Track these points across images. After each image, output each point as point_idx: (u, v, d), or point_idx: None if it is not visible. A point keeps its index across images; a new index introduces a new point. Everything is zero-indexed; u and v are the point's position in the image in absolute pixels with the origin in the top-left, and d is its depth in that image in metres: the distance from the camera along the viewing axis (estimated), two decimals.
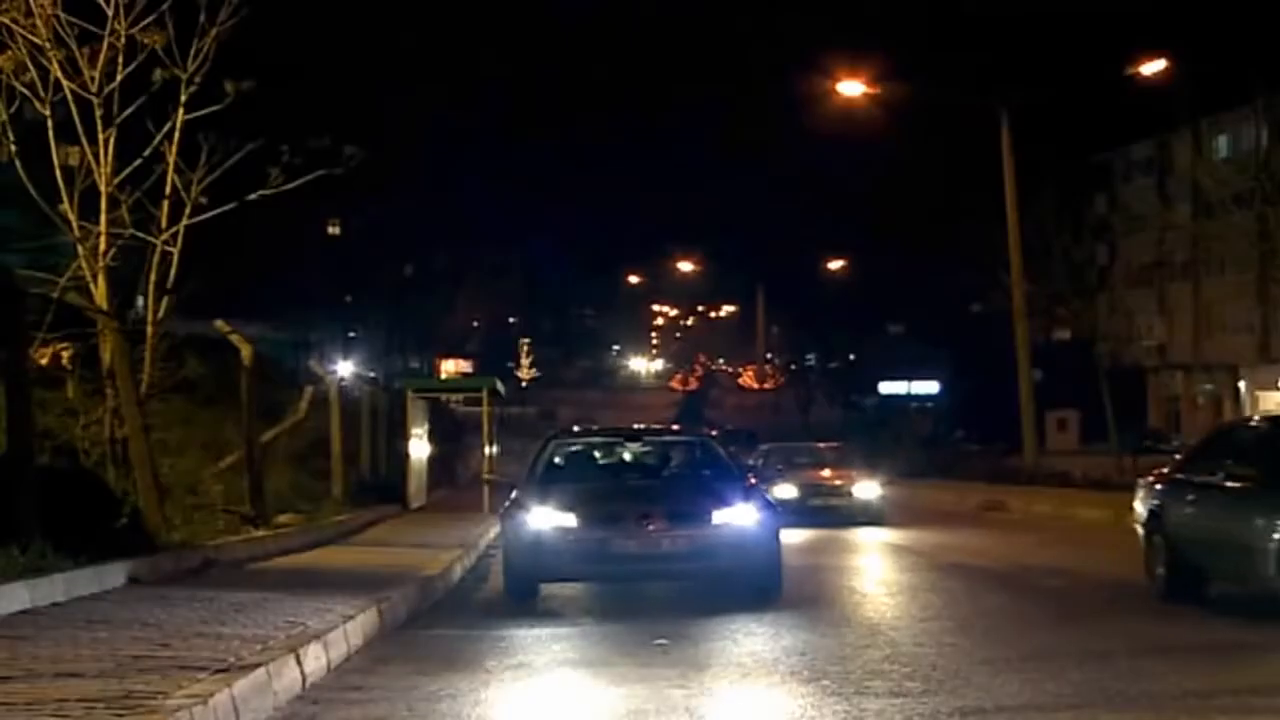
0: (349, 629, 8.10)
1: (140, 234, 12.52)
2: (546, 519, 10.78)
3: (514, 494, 11.66)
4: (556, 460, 12.46)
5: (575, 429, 15.76)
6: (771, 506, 11.49)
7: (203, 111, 12.52)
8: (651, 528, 10.62)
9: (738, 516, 10.81)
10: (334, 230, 62.60)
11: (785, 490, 20.86)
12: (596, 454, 13.33)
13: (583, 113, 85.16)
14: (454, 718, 6.28)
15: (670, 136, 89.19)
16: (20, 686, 5.74)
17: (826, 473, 22.34)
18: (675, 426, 22.84)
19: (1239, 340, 50.26)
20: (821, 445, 26.42)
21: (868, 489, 21.85)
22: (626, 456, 13.38)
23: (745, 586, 10.81)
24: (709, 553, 10.63)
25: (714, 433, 20.09)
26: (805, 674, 7.39)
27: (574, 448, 13.24)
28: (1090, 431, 45.86)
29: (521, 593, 11.02)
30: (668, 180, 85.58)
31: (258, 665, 6.36)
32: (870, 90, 29.67)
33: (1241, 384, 51.45)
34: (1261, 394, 50.93)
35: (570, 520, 10.74)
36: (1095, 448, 39.71)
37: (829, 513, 20.87)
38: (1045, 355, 41.00)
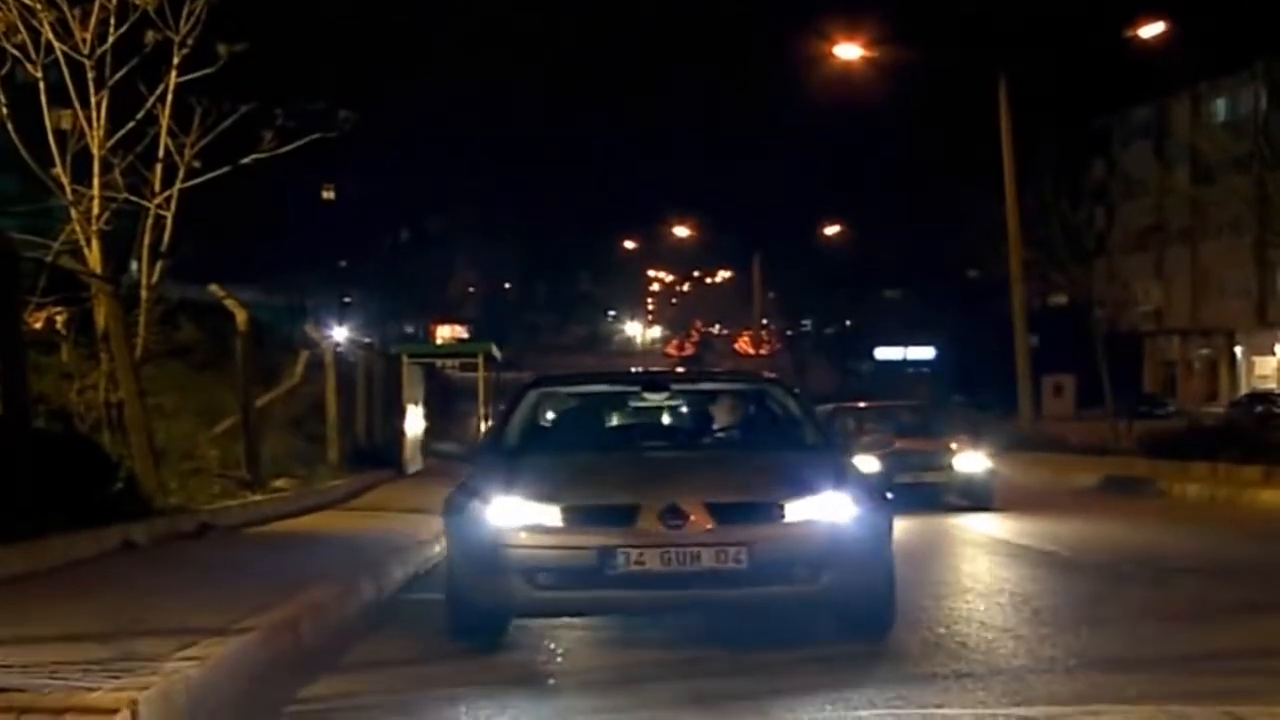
0: (345, 594, 8.09)
1: (134, 198, 12.45)
2: (515, 514, 6.75)
3: (467, 475, 7.69)
4: (537, 421, 8.54)
5: (568, 375, 10.56)
6: (878, 493, 7.29)
7: (195, 74, 12.43)
8: (685, 529, 6.57)
9: (827, 510, 6.76)
10: (329, 195, 62.42)
11: (862, 464, 15.89)
12: (599, 411, 9.07)
13: (579, 77, 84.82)
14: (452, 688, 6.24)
15: (667, 101, 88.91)
16: (17, 650, 5.72)
17: (918, 440, 17.22)
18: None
19: (1236, 305, 50.29)
20: (904, 404, 21.74)
21: (972, 461, 17.16)
22: (646, 415, 9.76)
23: (833, 617, 7.12)
24: (778, 570, 6.62)
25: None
26: None
27: (565, 402, 9.10)
28: (1085, 397, 45.90)
29: (472, 632, 7.02)
30: (664, 145, 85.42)
31: (254, 629, 6.35)
32: (868, 54, 29.54)
33: (1238, 348, 51.52)
34: (1257, 358, 51.05)
35: (552, 516, 6.70)
36: (1090, 413, 39.74)
37: (922, 492, 16.31)
38: (1042, 320, 40.99)
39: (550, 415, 8.78)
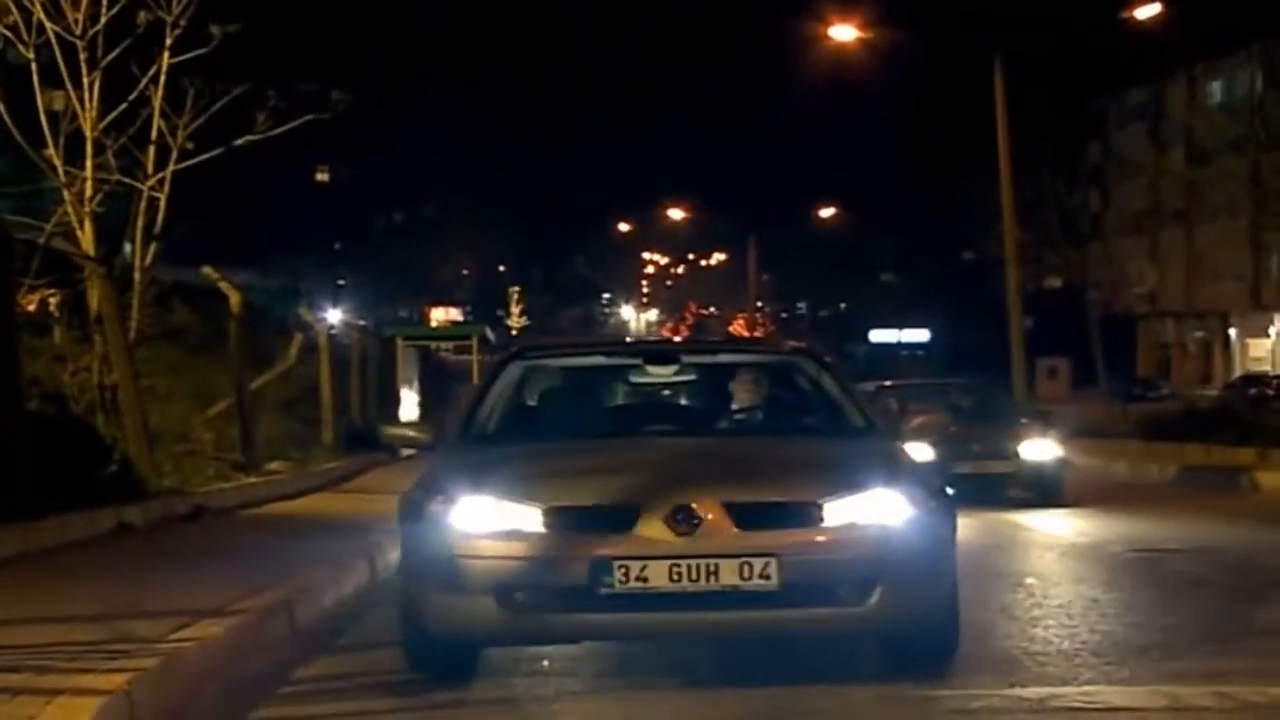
0: (339, 576, 8.09)
1: (127, 179, 12.41)
2: (485, 517, 5.49)
3: (429, 468, 6.20)
4: (518, 401, 7.02)
5: (556, 344, 9.84)
6: (938, 489, 5.88)
7: (188, 55, 12.38)
8: (699, 535, 5.35)
9: (876, 510, 5.51)
10: (323, 177, 62.35)
11: (916, 450, 13.94)
12: (594, 390, 7.53)
13: (574, 61, 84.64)
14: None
15: (662, 83, 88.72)
16: (11, 631, 5.72)
17: (978, 424, 15.48)
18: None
19: (1230, 287, 50.34)
20: (957, 382, 19.12)
21: (1040, 448, 14.90)
22: (650, 393, 7.95)
23: (882, 644, 5.87)
24: (816, 588, 5.40)
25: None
26: None
27: (552, 378, 7.39)
28: (1080, 379, 45.99)
29: (433, 663, 5.75)
30: (659, 127, 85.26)
31: (249, 611, 6.34)
32: (863, 36, 29.46)
33: (1232, 331, 51.62)
34: (1252, 341, 51.13)
35: (532, 519, 5.45)
36: (1084, 395, 39.81)
37: (983, 485, 14.08)
38: (1037, 303, 41.02)
39: (534, 394, 7.12)
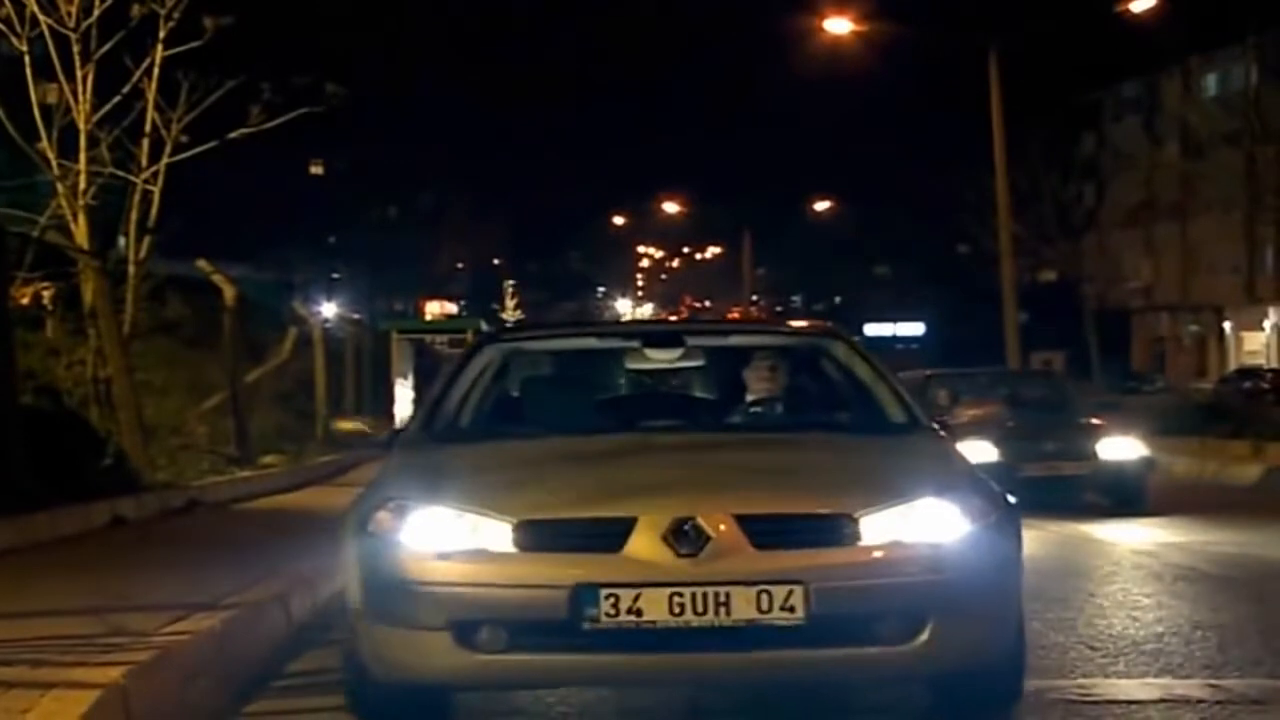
0: (334, 569, 8.08)
1: (120, 173, 12.40)
2: (444, 533, 4.56)
3: (380, 473, 5.22)
4: (491, 392, 6.04)
5: (538, 326, 7.98)
6: (1000, 498, 4.84)
7: (182, 48, 12.37)
8: (707, 556, 4.41)
9: (925, 525, 4.56)
10: (317, 170, 62.30)
11: (977, 450, 11.34)
12: (582, 378, 6.63)
13: (569, 54, 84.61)
14: None
15: (657, 77, 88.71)
16: (3, 624, 5.71)
17: (1047, 418, 13.63)
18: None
19: (1225, 281, 50.41)
20: (1019, 372, 17.61)
21: (1121, 447, 12.92)
22: (649, 382, 6.93)
23: (932, 686, 4.97)
24: (853, 623, 4.44)
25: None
26: None
27: (534, 365, 6.58)
28: (1074, 373, 46.04)
29: (381, 715, 4.86)
30: (654, 121, 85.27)
31: (243, 604, 6.34)
32: (858, 29, 29.45)
33: (1227, 324, 51.70)
34: (1246, 334, 51.21)
35: (500, 536, 4.52)
36: (1079, 389, 39.85)
37: (1054, 489, 12.37)
38: (1031, 296, 41.08)
39: (511, 384, 6.19)
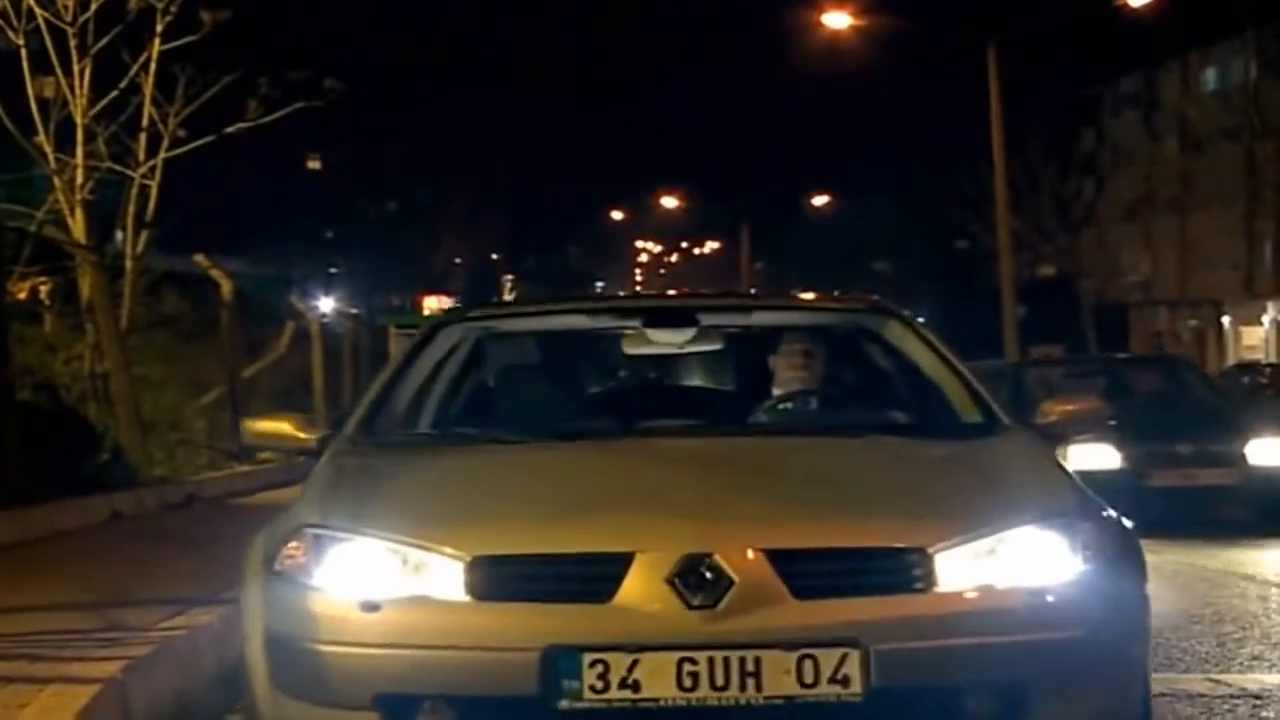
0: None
1: (118, 167, 12.39)
2: (372, 575, 3.42)
3: (300, 496, 3.93)
4: (454, 382, 4.96)
5: (512, 304, 6.91)
6: (1117, 525, 3.65)
7: (179, 42, 12.35)
8: (728, 607, 3.22)
9: (1022, 564, 3.38)
10: (315, 165, 62.28)
11: (1093, 455, 9.76)
12: (568, 368, 5.44)
13: (567, 50, 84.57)
14: None
15: (655, 71, 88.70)
16: (3, 619, 5.70)
17: (1180, 417, 11.33)
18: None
19: (1223, 276, 50.41)
20: (1134, 358, 14.03)
21: (1271, 450, 10.68)
22: (651, 371, 5.65)
23: None
24: (930, 697, 3.29)
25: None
26: None
27: (507, 349, 5.23)
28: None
29: None
30: (652, 116, 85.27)
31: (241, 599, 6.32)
32: (856, 23, 29.43)
33: (1225, 319, 51.74)
34: (1245, 329, 51.24)
35: (448, 578, 3.36)
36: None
37: (1190, 503, 10.37)
38: (1030, 291, 41.09)
39: (478, 375, 5.05)
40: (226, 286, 14.79)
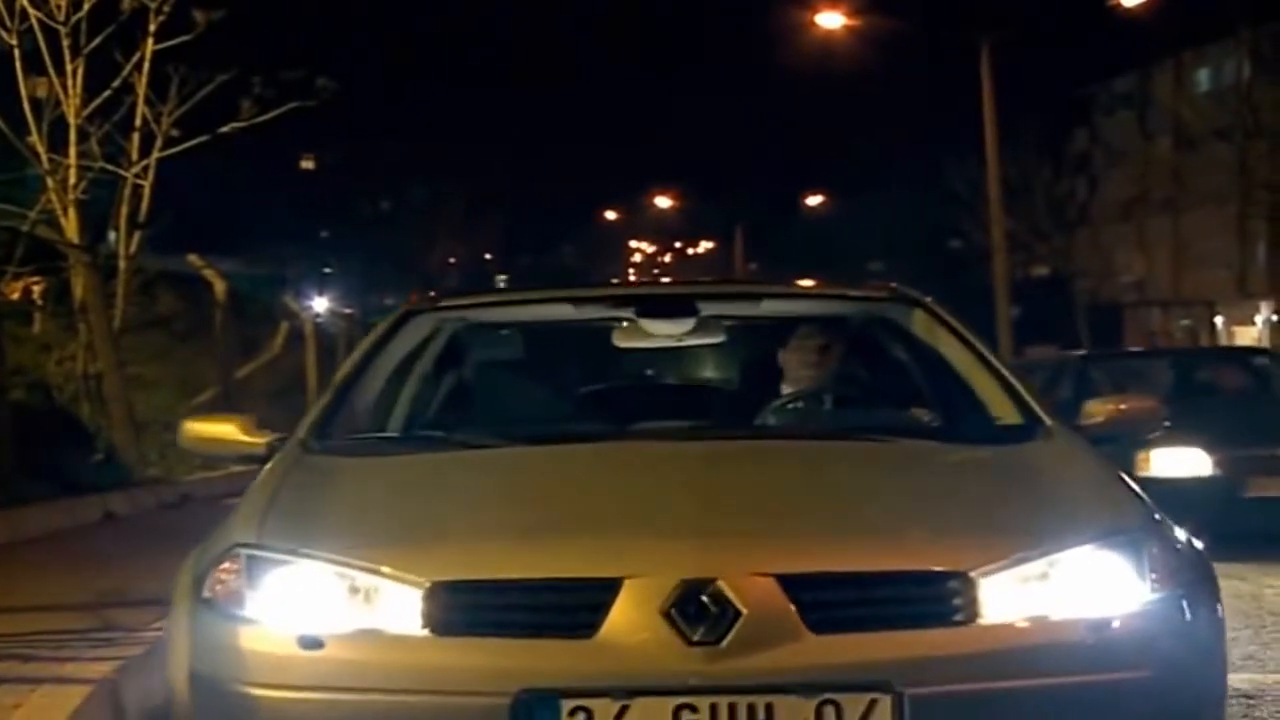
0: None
1: (111, 167, 12.38)
2: (314, 603, 2.92)
3: (236, 509, 3.36)
4: (423, 379, 4.48)
5: (486, 292, 6.04)
6: (1193, 547, 3.17)
7: (172, 42, 12.35)
8: (734, 638, 2.75)
9: (1080, 589, 2.89)
10: (308, 164, 62.27)
11: (1183, 460, 8.72)
12: (553, 360, 4.96)
13: (561, 48, 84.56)
14: None
15: (648, 71, 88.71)
16: None
17: (1261, 416, 9.89)
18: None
19: (1217, 276, 50.53)
20: (1207, 349, 12.41)
21: None
22: (649, 361, 5.40)
23: None
24: None
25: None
26: None
27: (484, 342, 4.68)
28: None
29: None
30: (646, 116, 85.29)
31: None
32: (850, 23, 29.45)
33: (1219, 319, 51.84)
34: (1238, 329, 51.35)
35: (404, 608, 2.88)
36: None
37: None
38: (1024, 291, 41.11)
39: (452, 371, 4.55)
40: (220, 286, 14.77)
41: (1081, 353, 12.83)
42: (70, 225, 11.98)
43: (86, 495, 9.68)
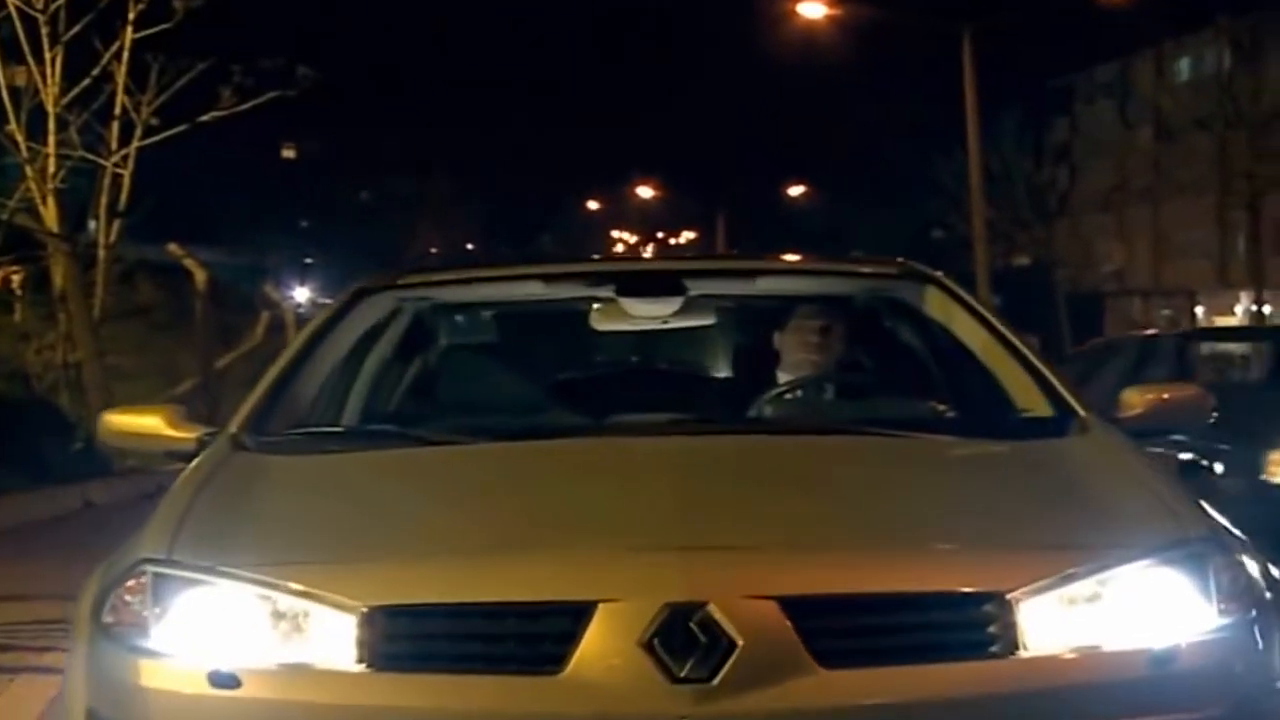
0: None
1: (90, 156, 12.32)
2: (233, 632, 2.44)
3: (149, 518, 2.84)
4: (377, 365, 3.97)
5: (450, 269, 4.46)
6: (1266, 566, 2.60)
7: (151, 30, 12.28)
8: (727, 675, 2.29)
9: (1140, 616, 2.41)
10: (289, 154, 62.09)
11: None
12: (524, 345, 4.33)
13: (543, 38, 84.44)
14: None
15: (629, 60, 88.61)
16: None
17: None
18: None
19: (1197, 265, 50.76)
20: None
21: None
22: (631, 345, 4.57)
23: None
24: None
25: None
26: None
27: (446, 325, 4.25)
28: (1047, 358, 46.23)
29: None
30: (628, 105, 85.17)
31: None
32: (832, 12, 29.46)
33: (1199, 309, 52.08)
34: (1218, 319, 51.59)
35: (334, 633, 2.40)
36: None
37: None
38: (1005, 280, 41.21)
39: (409, 357, 4.13)
40: (200, 276, 14.71)
41: (1180, 331, 10.93)
42: (49, 214, 11.93)
43: (66, 485, 9.66)
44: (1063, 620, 2.41)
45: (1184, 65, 50.54)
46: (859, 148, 57.62)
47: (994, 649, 2.37)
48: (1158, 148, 48.46)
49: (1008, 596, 2.38)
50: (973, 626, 2.38)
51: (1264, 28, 37.26)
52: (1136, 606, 2.45)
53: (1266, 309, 34.96)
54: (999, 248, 39.23)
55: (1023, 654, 2.37)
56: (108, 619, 2.60)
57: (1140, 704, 2.37)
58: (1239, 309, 49.90)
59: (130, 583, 2.59)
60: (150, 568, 2.59)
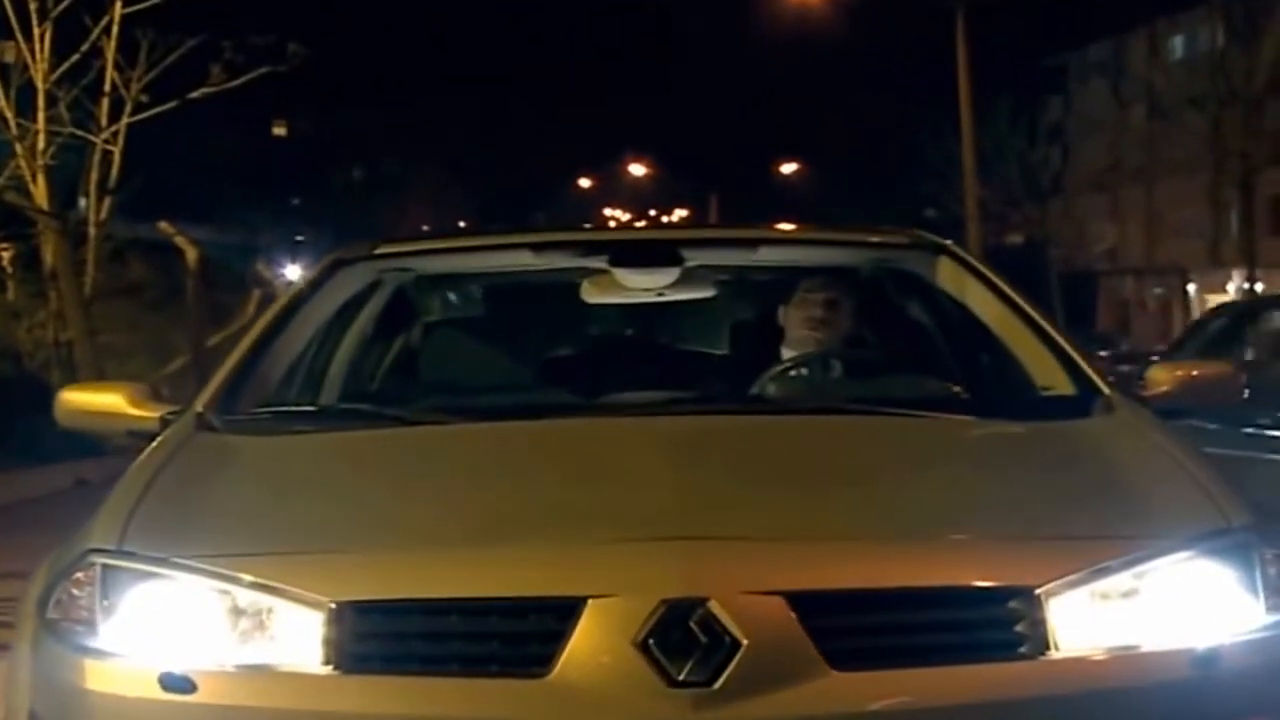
0: None
1: (80, 132, 12.27)
2: (188, 630, 2.24)
3: (100, 505, 2.69)
4: (355, 341, 3.81)
5: (430, 238, 4.98)
6: None
7: (141, 5, 12.23)
8: (731, 677, 2.10)
9: (1180, 612, 2.24)
10: (280, 131, 61.93)
11: None
12: (511, 319, 4.15)
13: (537, 15, 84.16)
14: None
15: (622, 39, 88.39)
16: None
17: None
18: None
19: (1189, 244, 50.79)
20: None
21: None
22: (625, 319, 4.39)
23: None
24: None
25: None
26: None
27: (427, 297, 4.08)
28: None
29: None
30: (620, 84, 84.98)
31: None
32: None
33: (1191, 287, 52.12)
34: (1210, 297, 51.62)
35: (301, 635, 2.20)
36: None
37: None
38: (998, 259, 41.17)
39: (389, 332, 3.98)
40: (192, 254, 14.67)
41: (1256, 293, 9.18)
42: (39, 191, 11.88)
43: (57, 463, 9.64)
44: (1096, 618, 2.22)
45: (1178, 44, 50.49)
46: (852, 126, 57.58)
47: (1022, 649, 2.19)
48: (1151, 126, 48.44)
49: (1036, 592, 2.19)
50: (998, 624, 2.20)
51: (1258, 6, 37.19)
52: (1176, 602, 2.26)
53: (1259, 288, 34.99)
54: (992, 227, 39.22)
55: (1053, 654, 2.18)
56: (53, 614, 2.39)
57: (1182, 709, 2.19)
58: (1231, 287, 49.96)
59: (77, 575, 2.38)
60: (99, 559, 2.39)
